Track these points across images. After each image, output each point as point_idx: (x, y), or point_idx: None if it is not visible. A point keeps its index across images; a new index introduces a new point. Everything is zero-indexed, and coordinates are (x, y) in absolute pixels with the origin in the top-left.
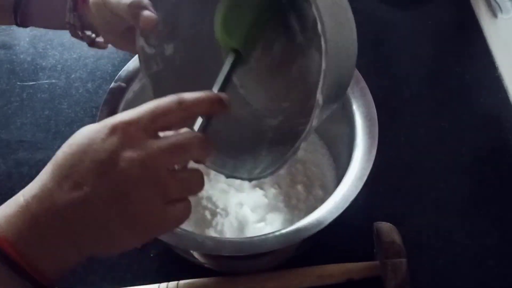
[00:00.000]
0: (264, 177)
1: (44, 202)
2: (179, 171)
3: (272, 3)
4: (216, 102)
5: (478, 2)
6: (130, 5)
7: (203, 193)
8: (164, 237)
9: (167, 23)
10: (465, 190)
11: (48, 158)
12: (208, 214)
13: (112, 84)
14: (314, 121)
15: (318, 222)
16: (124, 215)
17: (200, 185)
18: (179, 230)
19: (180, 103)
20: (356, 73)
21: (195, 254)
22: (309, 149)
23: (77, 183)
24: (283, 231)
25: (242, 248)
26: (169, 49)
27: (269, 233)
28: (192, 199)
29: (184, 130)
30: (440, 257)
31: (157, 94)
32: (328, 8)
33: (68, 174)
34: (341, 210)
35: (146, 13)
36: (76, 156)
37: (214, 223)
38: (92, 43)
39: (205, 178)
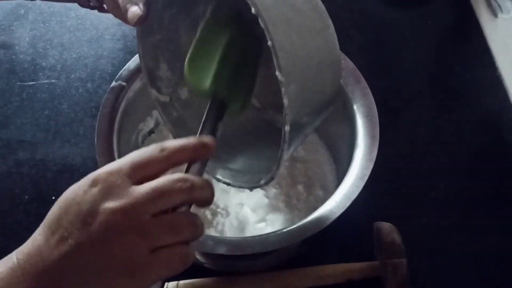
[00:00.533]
0: (260, 186)
1: (33, 258)
2: (166, 215)
3: (238, 34)
4: (200, 148)
5: (478, 2)
6: None
7: None
8: None
9: (174, 70)
10: (465, 190)
11: (48, 158)
12: (208, 214)
13: (113, 83)
14: (285, 146)
15: (319, 221)
16: (109, 266)
17: (193, 228)
18: None
19: (162, 150)
20: (357, 73)
21: (195, 254)
22: (310, 149)
23: (63, 236)
24: (285, 230)
25: (244, 247)
26: (183, 92)
27: (270, 233)
28: None
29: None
30: (440, 257)
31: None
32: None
33: (55, 229)
34: (342, 210)
35: (133, 9)
36: (62, 211)
37: (214, 223)
38: (101, 8)
39: (205, 176)
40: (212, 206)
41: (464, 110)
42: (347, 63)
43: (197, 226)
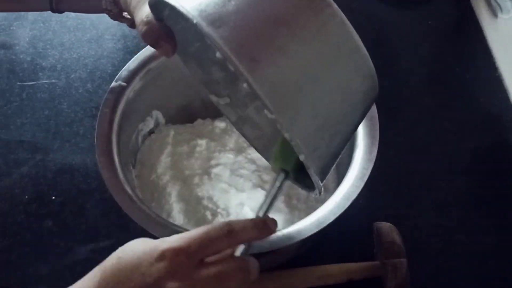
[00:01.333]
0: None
1: None
2: None
3: None
4: (263, 228)
5: (478, 2)
6: (144, 35)
7: (204, 193)
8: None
9: (227, 68)
10: (465, 190)
11: (48, 158)
12: (208, 214)
13: (113, 84)
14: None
15: (319, 222)
16: None
17: None
18: (181, 230)
19: (230, 232)
20: None
21: None
22: None
23: None
24: (285, 231)
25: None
26: (242, 89)
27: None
28: (192, 199)
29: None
30: (440, 257)
31: (250, 140)
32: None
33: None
34: (342, 210)
35: (162, 45)
36: (123, 273)
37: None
38: (132, 25)
39: (206, 177)
40: (212, 206)
41: (464, 110)
42: None
43: None
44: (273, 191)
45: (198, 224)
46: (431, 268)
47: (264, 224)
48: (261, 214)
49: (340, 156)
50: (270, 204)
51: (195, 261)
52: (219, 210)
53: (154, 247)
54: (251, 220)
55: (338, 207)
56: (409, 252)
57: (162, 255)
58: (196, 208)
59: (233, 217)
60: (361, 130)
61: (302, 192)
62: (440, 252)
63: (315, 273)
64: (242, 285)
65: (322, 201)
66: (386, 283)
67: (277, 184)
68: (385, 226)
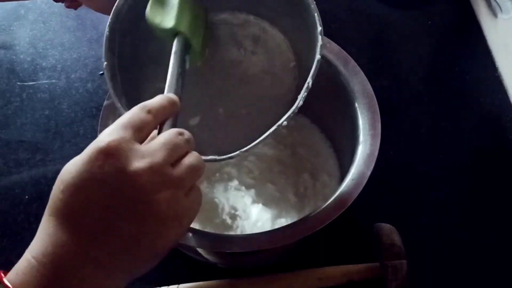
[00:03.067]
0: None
1: (60, 259)
2: (181, 163)
3: None
4: (173, 105)
5: (478, 2)
6: None
7: (217, 196)
8: (189, 242)
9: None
10: (465, 190)
11: (48, 158)
12: (227, 218)
13: (105, 102)
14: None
15: (341, 202)
16: (161, 221)
17: (202, 164)
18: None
19: (149, 112)
20: (343, 54)
21: (200, 250)
22: (308, 140)
23: (93, 223)
24: (311, 215)
25: (274, 240)
26: None
27: (298, 220)
28: (206, 204)
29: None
30: (440, 257)
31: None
32: None
33: (79, 222)
34: (361, 187)
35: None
36: (78, 199)
37: (234, 226)
38: (71, 5)
39: (215, 180)
40: (229, 209)
41: (464, 110)
42: (332, 46)
43: (203, 161)
44: (174, 63)
45: (216, 229)
46: (431, 268)
47: (172, 100)
48: (171, 91)
49: None
50: (177, 78)
51: (137, 143)
52: (237, 212)
53: (91, 152)
54: (158, 97)
55: (357, 184)
56: (409, 253)
57: (108, 152)
58: (212, 213)
59: (252, 217)
60: (361, 107)
61: (308, 179)
62: (440, 252)
63: (315, 275)
64: (188, 147)
65: (329, 187)
66: (387, 285)
67: (176, 51)
68: (385, 227)
